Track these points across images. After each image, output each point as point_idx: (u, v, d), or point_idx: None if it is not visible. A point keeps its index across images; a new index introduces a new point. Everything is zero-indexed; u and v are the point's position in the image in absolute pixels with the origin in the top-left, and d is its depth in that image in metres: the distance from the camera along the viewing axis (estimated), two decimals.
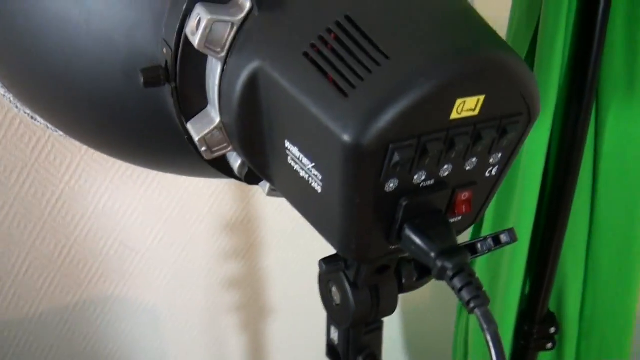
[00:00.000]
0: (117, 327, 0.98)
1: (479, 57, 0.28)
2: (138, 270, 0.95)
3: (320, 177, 0.31)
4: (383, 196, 0.31)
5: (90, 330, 0.96)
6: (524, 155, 0.73)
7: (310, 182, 0.32)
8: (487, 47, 0.29)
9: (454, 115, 0.29)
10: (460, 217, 0.35)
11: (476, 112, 0.30)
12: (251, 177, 0.41)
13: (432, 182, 0.32)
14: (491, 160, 0.34)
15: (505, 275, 0.81)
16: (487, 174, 0.34)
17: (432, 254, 0.32)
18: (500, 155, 0.34)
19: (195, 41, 0.34)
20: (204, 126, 0.38)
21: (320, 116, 0.29)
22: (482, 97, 0.29)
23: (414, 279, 0.45)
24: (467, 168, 0.33)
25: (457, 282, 0.31)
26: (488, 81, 0.29)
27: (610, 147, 0.74)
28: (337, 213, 0.32)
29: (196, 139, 0.38)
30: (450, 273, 0.31)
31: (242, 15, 0.34)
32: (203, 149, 0.39)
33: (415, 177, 0.31)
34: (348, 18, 0.30)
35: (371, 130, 0.27)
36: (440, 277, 0.32)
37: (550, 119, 0.71)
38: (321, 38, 0.31)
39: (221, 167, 0.42)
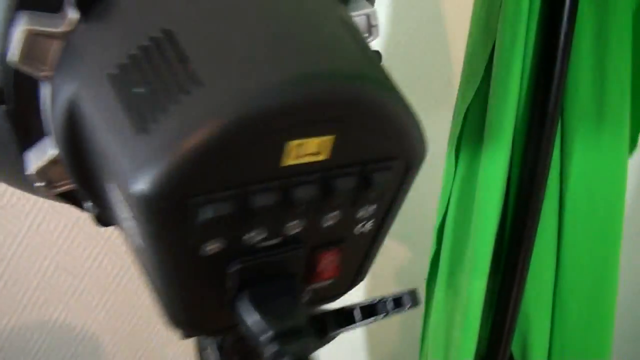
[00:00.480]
0: (56, 354, 0.92)
1: (315, 90, 0.21)
2: (77, 295, 0.89)
3: (136, 232, 0.25)
4: (205, 260, 0.24)
5: (27, 358, 0.89)
6: (478, 191, 0.66)
7: (131, 236, 0.26)
8: (334, 76, 0.22)
9: (289, 161, 0.23)
10: (327, 282, 0.29)
11: (323, 157, 0.23)
12: (105, 220, 0.35)
13: (276, 241, 0.25)
14: (360, 214, 0.27)
15: (462, 315, 0.74)
16: (358, 230, 0.28)
17: (264, 335, 0.25)
18: (373, 207, 0.27)
19: (13, 56, 0.28)
20: (38, 158, 0.32)
21: (117, 158, 0.23)
22: (328, 139, 0.23)
23: None
24: (327, 224, 0.26)
25: None
26: (334, 119, 0.22)
27: (577, 181, 0.67)
28: (155, 276, 0.25)
29: (27, 172, 0.32)
30: None
31: (67, 26, 0.28)
32: (38, 184, 0.32)
33: (250, 235, 0.24)
34: (167, 32, 0.24)
35: (163, 180, 0.21)
36: None
37: (508, 150, 0.64)
38: (133, 57, 0.24)
39: (76, 203, 0.35)
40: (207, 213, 0.22)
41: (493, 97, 0.61)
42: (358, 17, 0.34)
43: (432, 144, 0.91)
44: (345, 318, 0.36)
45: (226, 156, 0.21)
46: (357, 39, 0.25)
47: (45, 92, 0.30)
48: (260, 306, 0.25)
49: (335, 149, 0.23)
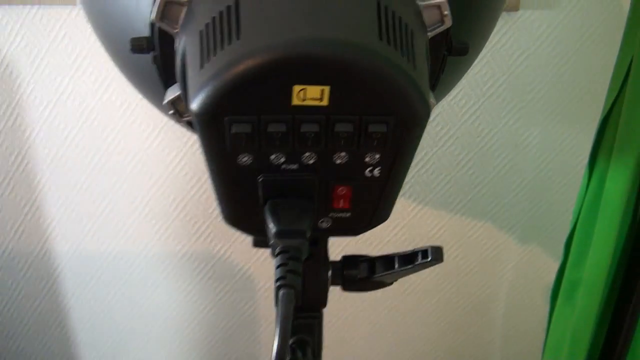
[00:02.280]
0: None
1: (310, 51, 0.29)
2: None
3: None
4: (239, 169, 0.33)
5: None
6: (601, 207, 0.64)
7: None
8: (327, 43, 0.29)
9: (296, 102, 0.30)
10: (345, 214, 0.36)
11: (325, 103, 0.30)
12: None
13: (295, 166, 0.33)
14: (367, 159, 0.33)
15: (572, 333, 0.72)
16: (368, 174, 0.34)
17: (272, 231, 0.33)
18: (377, 155, 0.33)
19: (153, 15, 0.39)
20: (170, 95, 0.43)
21: (189, 86, 0.33)
22: (325, 89, 0.30)
23: (359, 277, 0.45)
24: (337, 162, 0.33)
25: (277, 260, 0.32)
26: (327, 74, 0.29)
27: None
28: (212, 179, 0.35)
29: (163, 102, 0.43)
30: (277, 251, 0.33)
31: None
32: (170, 112, 0.44)
33: (273, 157, 0.33)
34: (237, 1, 0.33)
35: (204, 101, 0.30)
36: (272, 254, 0.33)
37: (634, 166, 0.62)
38: (213, 19, 0.34)
39: None
40: (234, 129, 0.31)
41: (625, 108, 0.60)
42: (429, 7, 0.40)
43: (576, 155, 0.87)
44: (387, 263, 0.43)
45: (248, 90, 0.30)
46: (382, 21, 0.32)
47: (177, 44, 0.41)
48: (276, 211, 0.34)
49: (334, 99, 0.30)
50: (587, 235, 0.70)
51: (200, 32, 0.34)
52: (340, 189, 0.34)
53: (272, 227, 0.33)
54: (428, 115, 0.32)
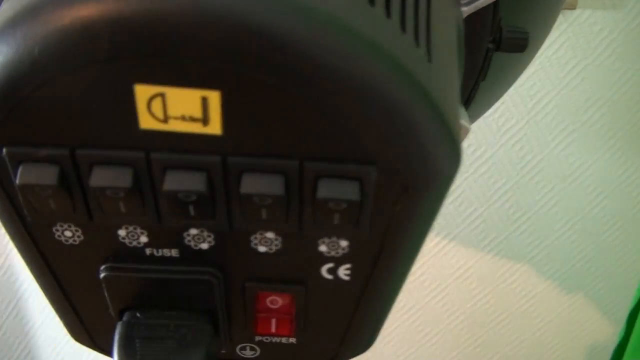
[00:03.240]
0: None
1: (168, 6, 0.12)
2: None
3: None
4: (60, 250, 0.16)
5: None
6: None
7: None
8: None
9: (147, 123, 0.13)
10: (280, 339, 0.18)
11: (215, 130, 0.13)
12: None
13: (172, 252, 0.16)
14: (323, 249, 0.16)
15: None
16: (325, 274, 0.17)
17: None
18: (344, 244, 0.16)
19: None
20: None
21: None
22: (212, 95, 0.13)
23: None
24: (261, 249, 0.16)
25: None
26: (215, 61, 0.12)
27: None
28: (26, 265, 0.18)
29: None
30: None
31: None
32: None
33: (122, 234, 0.16)
34: None
35: None
36: None
37: None
38: None
39: None
40: (26, 177, 0.14)
41: None
42: None
43: None
44: None
45: (39, 93, 0.13)
46: None
47: None
48: (129, 340, 0.16)
49: (236, 121, 0.13)
50: None
51: None
52: (269, 298, 0.17)
53: None
54: (456, 168, 0.14)
